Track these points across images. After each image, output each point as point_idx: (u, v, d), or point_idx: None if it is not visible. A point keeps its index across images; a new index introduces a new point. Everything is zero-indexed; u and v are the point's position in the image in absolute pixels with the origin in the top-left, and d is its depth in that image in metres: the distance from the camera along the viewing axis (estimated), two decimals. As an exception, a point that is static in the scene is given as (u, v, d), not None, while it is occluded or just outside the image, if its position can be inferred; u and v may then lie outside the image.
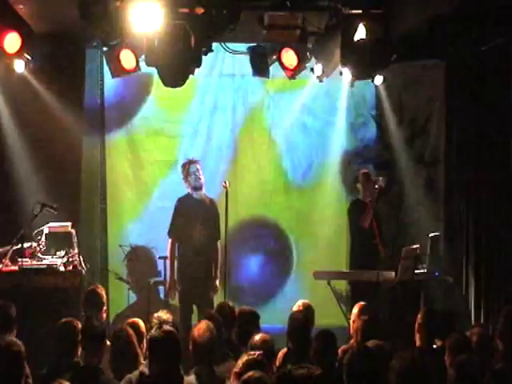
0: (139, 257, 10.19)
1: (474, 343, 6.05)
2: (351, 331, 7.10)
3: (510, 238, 9.03)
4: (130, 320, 6.35)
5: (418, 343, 6.38)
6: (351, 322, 7.13)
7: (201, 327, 5.75)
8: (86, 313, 7.01)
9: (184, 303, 8.93)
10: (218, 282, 8.98)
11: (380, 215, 9.60)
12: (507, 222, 9.09)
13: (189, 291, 8.88)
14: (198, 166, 8.98)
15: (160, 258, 9.59)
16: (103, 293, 7.29)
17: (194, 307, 8.95)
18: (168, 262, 9.01)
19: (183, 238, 8.95)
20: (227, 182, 8.92)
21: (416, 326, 6.46)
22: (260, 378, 4.65)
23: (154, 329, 5.30)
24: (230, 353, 6.04)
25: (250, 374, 4.70)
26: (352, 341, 6.58)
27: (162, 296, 9.81)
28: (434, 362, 5.77)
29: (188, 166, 8.99)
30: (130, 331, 5.82)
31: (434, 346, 6.56)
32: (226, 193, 8.83)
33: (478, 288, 9.53)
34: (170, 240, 9.02)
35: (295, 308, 7.15)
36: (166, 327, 5.26)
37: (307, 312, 6.99)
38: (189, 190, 9.03)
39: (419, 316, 6.47)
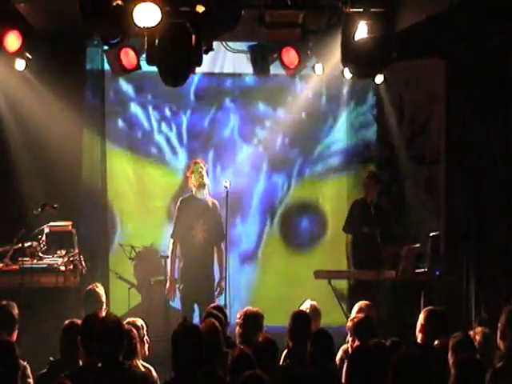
0: (140, 256, 10.19)
1: (477, 343, 6.05)
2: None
3: (511, 236, 9.02)
4: (129, 319, 6.33)
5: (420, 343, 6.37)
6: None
7: (207, 326, 5.75)
8: (85, 312, 6.98)
9: (185, 303, 8.92)
10: (223, 283, 8.95)
11: (382, 215, 9.59)
12: (508, 221, 9.08)
13: (190, 291, 8.87)
14: (202, 166, 8.98)
15: (161, 256, 9.58)
16: (102, 292, 7.26)
17: (196, 307, 8.95)
18: (168, 261, 8.99)
19: (184, 238, 8.94)
20: (228, 181, 8.91)
21: (418, 326, 6.45)
22: (259, 377, 4.65)
23: (177, 324, 5.26)
24: (228, 351, 6.03)
25: (249, 372, 4.70)
26: (349, 340, 6.57)
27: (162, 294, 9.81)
28: (436, 361, 5.77)
29: (193, 165, 9.01)
30: (133, 330, 5.82)
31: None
32: (227, 192, 8.82)
33: (478, 287, 9.52)
34: (171, 240, 9.01)
35: (302, 308, 7.13)
36: (189, 322, 5.23)
37: (313, 313, 6.98)
38: (192, 191, 9.02)
39: (422, 317, 6.45)
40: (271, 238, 10.87)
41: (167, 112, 10.63)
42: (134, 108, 10.57)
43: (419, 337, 6.42)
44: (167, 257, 9.14)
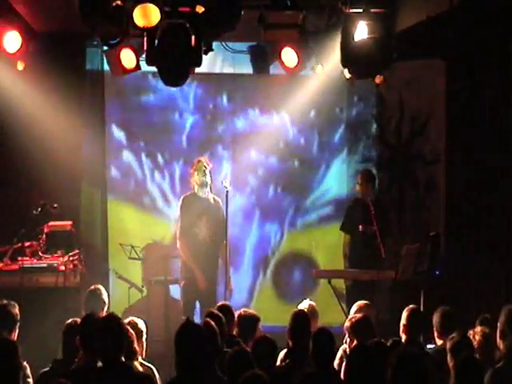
0: (141, 255, 10.21)
1: (476, 342, 6.04)
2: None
3: (511, 236, 9.03)
4: (129, 319, 6.33)
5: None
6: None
7: (205, 326, 5.76)
8: (86, 312, 6.98)
9: (186, 300, 8.92)
10: (231, 284, 8.91)
11: (382, 214, 9.59)
12: (508, 220, 9.09)
13: (191, 288, 8.86)
14: (205, 165, 8.95)
15: (173, 257, 9.59)
16: (105, 293, 7.22)
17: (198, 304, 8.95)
18: (188, 262, 8.94)
19: (188, 236, 8.92)
20: (228, 181, 8.89)
21: (401, 327, 6.46)
22: (260, 377, 4.65)
23: (180, 324, 5.25)
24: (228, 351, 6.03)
25: (249, 373, 4.70)
26: (347, 339, 6.56)
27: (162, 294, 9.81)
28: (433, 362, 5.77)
29: (196, 163, 9.00)
30: (130, 330, 5.82)
31: (432, 346, 6.56)
32: (227, 192, 8.80)
33: (478, 287, 9.53)
34: (179, 242, 8.99)
35: (300, 308, 7.13)
36: (191, 322, 5.23)
37: (311, 313, 6.99)
38: (194, 188, 9.01)
39: (404, 317, 6.46)
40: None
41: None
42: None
43: (403, 337, 6.41)
44: (168, 256, 9.15)
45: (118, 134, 10.48)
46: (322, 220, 10.81)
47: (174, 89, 10.09)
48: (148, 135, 10.52)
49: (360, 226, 9.41)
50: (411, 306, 6.66)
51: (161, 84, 10.25)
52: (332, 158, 10.82)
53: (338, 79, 9.33)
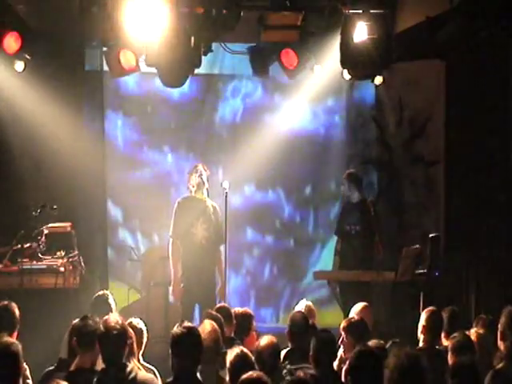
0: (140, 257, 10.21)
1: (475, 343, 6.04)
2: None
3: (511, 236, 9.03)
4: (129, 320, 6.31)
5: (421, 345, 6.35)
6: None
7: (206, 327, 5.75)
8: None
9: (186, 303, 8.90)
10: (224, 290, 8.79)
11: (380, 214, 9.59)
12: (507, 221, 9.09)
13: (191, 291, 8.84)
14: (201, 169, 8.92)
15: (160, 258, 9.56)
16: (111, 298, 7.14)
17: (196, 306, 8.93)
18: (171, 262, 8.95)
19: (185, 237, 8.89)
20: (227, 182, 8.87)
21: (420, 327, 6.43)
22: (259, 377, 4.64)
23: (176, 326, 5.26)
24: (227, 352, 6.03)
25: (249, 374, 4.69)
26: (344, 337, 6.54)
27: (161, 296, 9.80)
28: (441, 363, 5.75)
29: (193, 167, 8.99)
30: (131, 330, 5.80)
31: (439, 347, 6.55)
32: (226, 193, 8.79)
33: (478, 288, 9.53)
34: (171, 240, 8.97)
35: (297, 309, 7.14)
36: (187, 324, 5.23)
37: (308, 312, 6.99)
38: (191, 191, 8.97)
39: (424, 318, 6.43)
40: None
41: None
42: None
43: (421, 338, 6.39)
44: (167, 257, 9.13)
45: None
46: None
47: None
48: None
49: (346, 227, 9.42)
50: (431, 307, 6.62)
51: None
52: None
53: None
